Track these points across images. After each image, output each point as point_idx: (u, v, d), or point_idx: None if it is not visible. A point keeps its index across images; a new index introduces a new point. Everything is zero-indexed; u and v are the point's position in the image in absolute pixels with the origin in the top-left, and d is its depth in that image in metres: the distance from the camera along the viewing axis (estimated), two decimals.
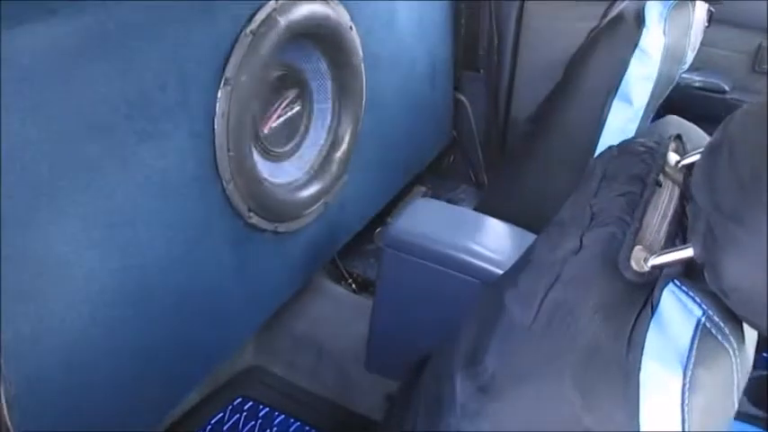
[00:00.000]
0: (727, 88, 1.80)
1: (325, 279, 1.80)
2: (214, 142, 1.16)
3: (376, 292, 1.38)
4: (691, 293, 0.50)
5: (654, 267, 0.54)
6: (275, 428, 1.48)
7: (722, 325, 0.49)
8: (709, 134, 0.61)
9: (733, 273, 0.46)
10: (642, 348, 0.49)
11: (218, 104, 1.15)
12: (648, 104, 1.43)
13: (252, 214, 1.28)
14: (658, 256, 0.53)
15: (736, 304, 0.47)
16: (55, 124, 0.90)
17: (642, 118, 1.45)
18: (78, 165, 0.94)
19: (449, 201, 2.12)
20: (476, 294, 0.94)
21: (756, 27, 1.79)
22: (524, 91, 2.03)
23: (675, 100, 1.66)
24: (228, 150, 1.18)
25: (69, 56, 0.90)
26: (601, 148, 1.42)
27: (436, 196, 2.15)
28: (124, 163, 1.00)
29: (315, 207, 1.46)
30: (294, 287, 1.51)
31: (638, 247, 0.55)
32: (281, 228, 1.38)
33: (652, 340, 0.49)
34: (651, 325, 0.50)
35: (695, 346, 0.48)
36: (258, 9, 1.19)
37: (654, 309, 0.51)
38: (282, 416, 1.50)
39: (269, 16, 1.20)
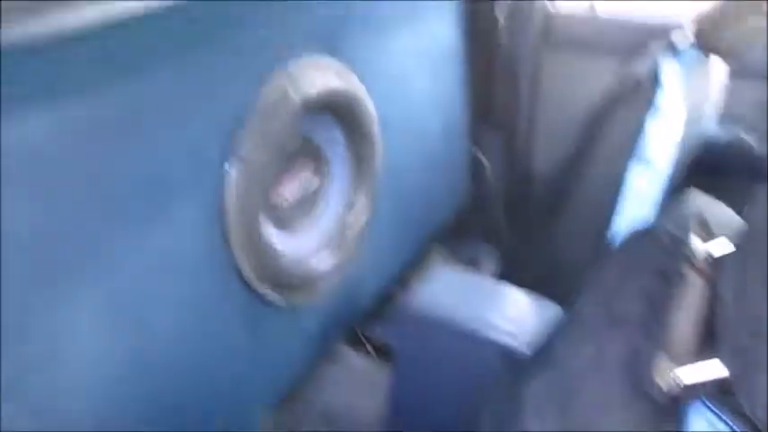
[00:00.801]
0: (752, 143, 1.75)
1: (342, 346, 1.75)
2: (225, 218, 1.14)
3: (393, 367, 1.34)
4: (723, 416, 0.46)
5: (680, 380, 0.49)
6: None
7: None
8: (736, 192, 0.57)
9: None
10: None
11: (230, 180, 1.13)
12: (671, 166, 1.39)
13: (265, 288, 1.25)
14: (687, 373, 0.49)
15: None
16: (62, 206, 0.89)
17: (666, 180, 1.40)
18: (85, 246, 0.92)
19: (469, 261, 2.08)
20: (495, 377, 0.90)
21: None
22: (544, 148, 2.00)
23: (698, 156, 1.62)
24: (240, 225, 1.16)
25: (77, 137, 0.90)
26: (623, 214, 1.38)
27: (456, 257, 2.11)
28: (132, 242, 0.99)
29: (330, 277, 1.43)
30: (311, 359, 1.47)
31: (663, 358, 0.51)
32: (295, 300, 1.34)
33: None
34: None
35: None
36: (270, 82, 1.18)
37: None
38: None
39: (282, 91, 1.20)
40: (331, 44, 1.33)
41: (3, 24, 1.01)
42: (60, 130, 0.88)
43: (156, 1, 1.32)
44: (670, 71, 1.32)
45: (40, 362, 0.89)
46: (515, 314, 1.24)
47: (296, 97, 1.21)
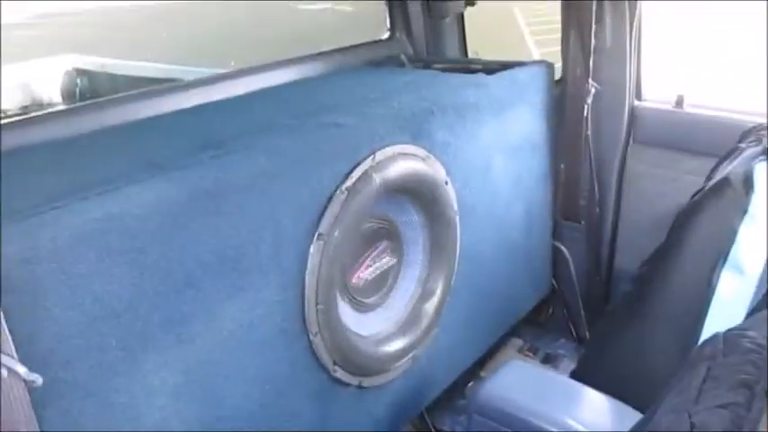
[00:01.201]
0: None
1: None
2: (303, 295, 1.17)
3: None
4: None
5: None
6: None
7: None
8: None
9: None
10: None
11: (309, 259, 1.16)
12: (764, 273, 1.32)
13: (337, 368, 1.26)
14: None
15: None
16: (152, 278, 0.94)
17: (757, 287, 1.33)
18: (168, 318, 0.97)
19: (547, 355, 2.02)
20: None
21: None
22: (628, 244, 1.95)
23: None
24: (317, 303, 1.19)
25: (171, 213, 0.96)
26: (710, 319, 1.31)
27: (534, 349, 2.05)
28: (212, 317, 1.02)
29: (402, 361, 1.42)
30: None
31: None
32: (366, 382, 1.34)
33: None
34: None
35: None
36: (355, 166, 1.23)
37: None
38: None
39: (365, 173, 1.24)
40: (418, 133, 1.38)
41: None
42: (153, 206, 0.94)
43: (246, 84, 1.41)
44: (763, 174, 1.28)
45: (119, 422, 0.92)
46: (590, 416, 1.18)
47: (378, 180, 1.25)
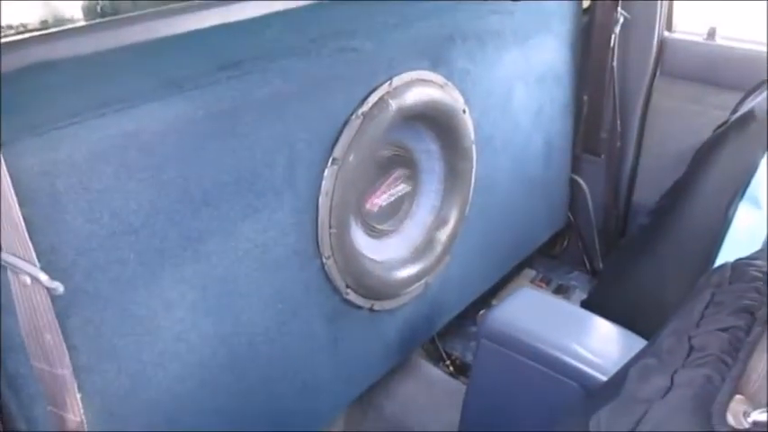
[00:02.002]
0: None
1: (421, 359, 1.76)
2: (317, 219, 1.18)
3: (469, 384, 1.33)
4: None
5: (756, 424, 0.47)
6: None
7: None
8: None
9: None
10: None
11: (323, 182, 1.17)
12: None
13: (349, 291, 1.28)
14: (763, 411, 0.47)
15: None
16: (169, 196, 0.96)
17: None
18: (185, 235, 0.99)
19: (559, 287, 2.04)
20: (569, 405, 0.88)
21: None
22: (648, 179, 1.93)
23: None
24: (330, 227, 1.20)
25: (188, 131, 0.96)
26: (724, 253, 1.31)
27: (547, 280, 2.07)
28: (228, 235, 1.04)
29: (414, 286, 1.44)
30: (388, 366, 1.49)
31: (738, 397, 0.49)
32: (378, 305, 1.37)
33: None
34: None
35: None
36: (372, 91, 1.22)
37: None
38: None
39: (381, 99, 1.23)
40: (437, 59, 1.35)
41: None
42: (171, 124, 0.94)
43: (264, 6, 1.38)
44: None
45: (138, 332, 0.96)
46: (598, 344, 1.20)
47: (394, 106, 1.24)
